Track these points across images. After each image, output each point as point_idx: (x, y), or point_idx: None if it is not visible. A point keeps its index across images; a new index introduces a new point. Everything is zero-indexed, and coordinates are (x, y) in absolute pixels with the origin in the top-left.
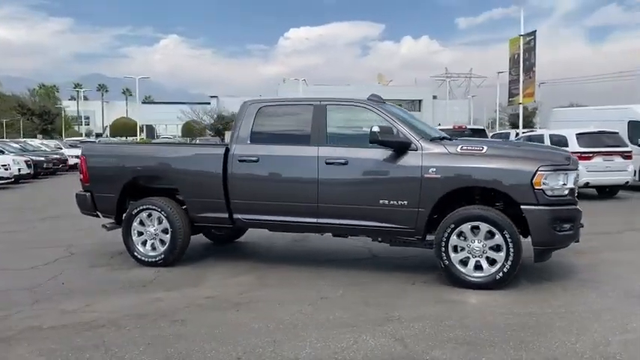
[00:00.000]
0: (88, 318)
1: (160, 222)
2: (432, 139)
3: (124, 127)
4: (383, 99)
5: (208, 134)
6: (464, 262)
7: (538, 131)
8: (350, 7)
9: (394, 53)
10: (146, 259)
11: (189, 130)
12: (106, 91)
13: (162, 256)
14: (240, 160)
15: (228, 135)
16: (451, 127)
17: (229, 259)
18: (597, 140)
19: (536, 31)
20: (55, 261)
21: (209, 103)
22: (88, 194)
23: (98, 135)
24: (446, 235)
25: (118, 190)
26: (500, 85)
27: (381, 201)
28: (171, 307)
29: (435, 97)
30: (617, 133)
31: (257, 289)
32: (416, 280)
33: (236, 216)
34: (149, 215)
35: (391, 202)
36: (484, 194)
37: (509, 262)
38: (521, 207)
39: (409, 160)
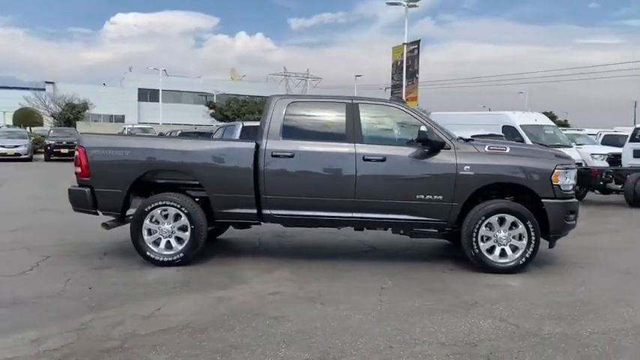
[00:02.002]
0: (180, 321)
1: (176, 219)
2: (459, 139)
3: None
4: (404, 100)
5: (53, 123)
6: (489, 251)
7: None
8: None
9: (229, 47)
10: (161, 259)
11: (27, 119)
12: None
13: (182, 254)
14: (273, 156)
15: (80, 125)
16: None
17: (240, 255)
18: None
19: (420, 40)
20: (38, 265)
21: (44, 89)
22: (87, 190)
23: None
24: (477, 226)
25: (127, 185)
26: (357, 87)
27: (417, 196)
28: (251, 305)
29: None
30: (502, 135)
31: (309, 283)
32: (443, 268)
33: (265, 211)
34: (164, 212)
35: (427, 197)
36: (501, 189)
37: (530, 249)
38: (542, 200)
39: (445, 158)
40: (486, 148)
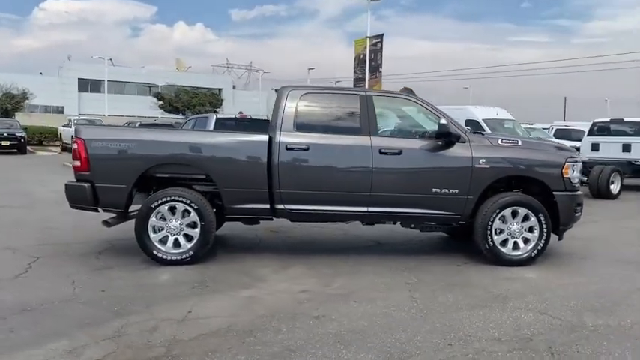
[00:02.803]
0: (219, 324)
1: (184, 215)
2: (472, 132)
3: None
4: (414, 92)
5: None
6: (502, 243)
7: None
8: None
9: (168, 37)
10: (169, 258)
11: None
12: None
13: (191, 252)
14: (288, 149)
15: (19, 116)
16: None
17: (245, 252)
18: None
19: (383, 34)
20: (31, 267)
21: None
22: (87, 185)
23: None
24: (492, 219)
25: (132, 180)
26: (310, 80)
27: (433, 189)
28: (286, 305)
29: (234, 87)
30: (469, 129)
31: (332, 279)
32: (456, 261)
33: (279, 206)
34: (171, 208)
35: (443, 191)
36: (509, 182)
37: (542, 241)
38: (554, 193)
39: (461, 151)
40: (500, 142)
